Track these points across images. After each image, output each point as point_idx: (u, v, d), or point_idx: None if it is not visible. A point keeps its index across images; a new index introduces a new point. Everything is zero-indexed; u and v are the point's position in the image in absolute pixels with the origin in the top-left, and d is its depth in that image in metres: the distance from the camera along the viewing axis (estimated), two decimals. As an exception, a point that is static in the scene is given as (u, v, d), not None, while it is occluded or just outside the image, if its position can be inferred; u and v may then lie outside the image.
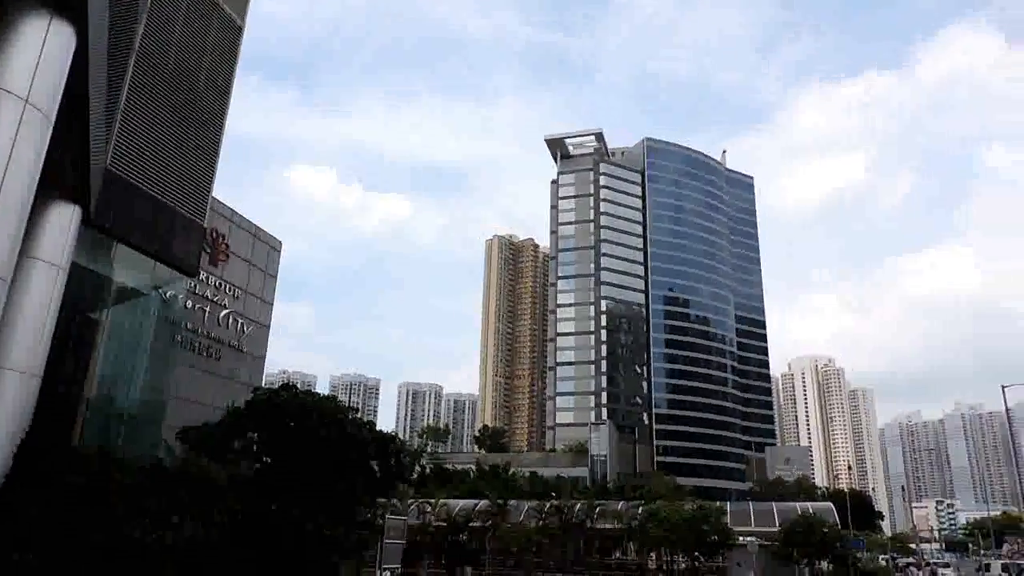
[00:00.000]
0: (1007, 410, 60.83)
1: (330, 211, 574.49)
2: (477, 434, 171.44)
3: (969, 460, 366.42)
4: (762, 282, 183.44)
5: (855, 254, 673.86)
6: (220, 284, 34.47)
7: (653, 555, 50.63)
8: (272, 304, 38.89)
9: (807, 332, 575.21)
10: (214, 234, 33.38)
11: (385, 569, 25.98)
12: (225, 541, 21.71)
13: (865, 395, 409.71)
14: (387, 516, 28.26)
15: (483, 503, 52.47)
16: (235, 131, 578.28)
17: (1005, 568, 57.14)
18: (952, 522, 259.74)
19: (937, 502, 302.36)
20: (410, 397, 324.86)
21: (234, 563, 21.58)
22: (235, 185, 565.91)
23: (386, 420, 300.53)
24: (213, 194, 25.83)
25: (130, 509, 17.92)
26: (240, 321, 35.49)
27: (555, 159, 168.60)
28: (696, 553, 44.91)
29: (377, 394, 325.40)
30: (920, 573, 71.91)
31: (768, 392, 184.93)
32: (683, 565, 46.65)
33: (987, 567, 62.23)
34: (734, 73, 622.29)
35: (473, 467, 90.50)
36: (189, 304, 32.42)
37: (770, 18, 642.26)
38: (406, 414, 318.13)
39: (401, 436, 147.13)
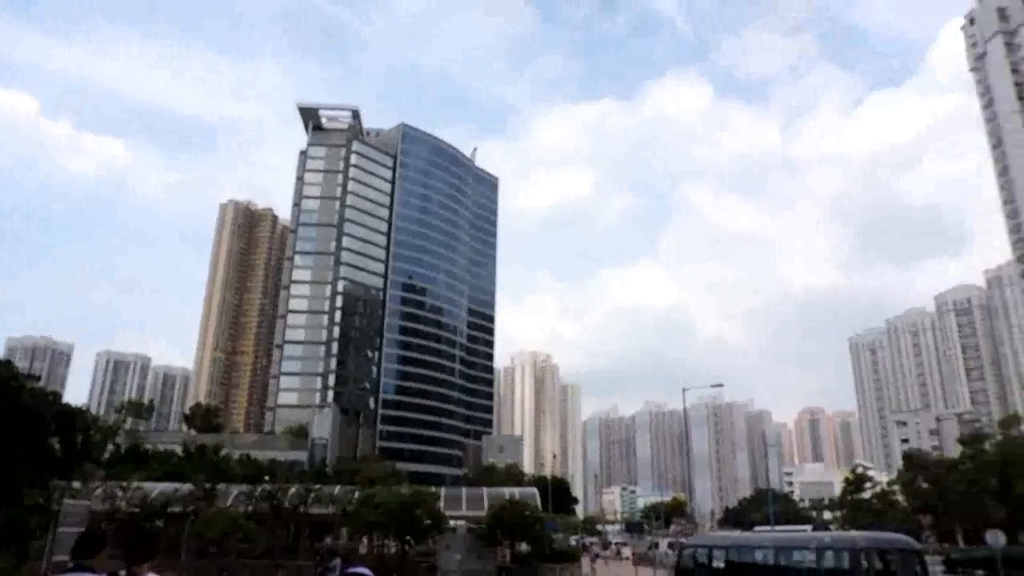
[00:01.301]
0: (684, 409, 70.33)
1: (28, 147, 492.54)
2: (187, 412, 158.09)
3: (651, 452, 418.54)
4: (495, 279, 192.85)
5: (575, 262, 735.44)
6: None
7: (365, 540, 50.41)
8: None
9: (529, 329, 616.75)
10: None
11: (56, 560, 22.55)
12: None
13: (574, 390, 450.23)
14: (64, 500, 24.53)
15: (187, 487, 48.27)
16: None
17: (670, 545, 66.02)
18: (633, 505, 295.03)
19: (622, 488, 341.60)
20: (110, 368, 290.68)
21: None
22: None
23: (79, 392, 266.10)
24: None
25: None
26: None
27: (306, 129, 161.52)
28: (408, 537, 45.55)
29: (68, 362, 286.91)
30: (602, 551, 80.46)
31: (491, 384, 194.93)
32: (394, 549, 47.04)
33: (656, 544, 71.47)
34: (489, 79, 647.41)
35: (179, 448, 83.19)
36: None
37: (528, 34, 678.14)
38: (104, 387, 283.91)
39: (95, 411, 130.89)
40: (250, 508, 46.90)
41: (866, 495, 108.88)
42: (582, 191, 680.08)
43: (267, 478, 62.35)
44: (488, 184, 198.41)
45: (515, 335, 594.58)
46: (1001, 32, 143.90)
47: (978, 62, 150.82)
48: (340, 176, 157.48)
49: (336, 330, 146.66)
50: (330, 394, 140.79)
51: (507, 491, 51.22)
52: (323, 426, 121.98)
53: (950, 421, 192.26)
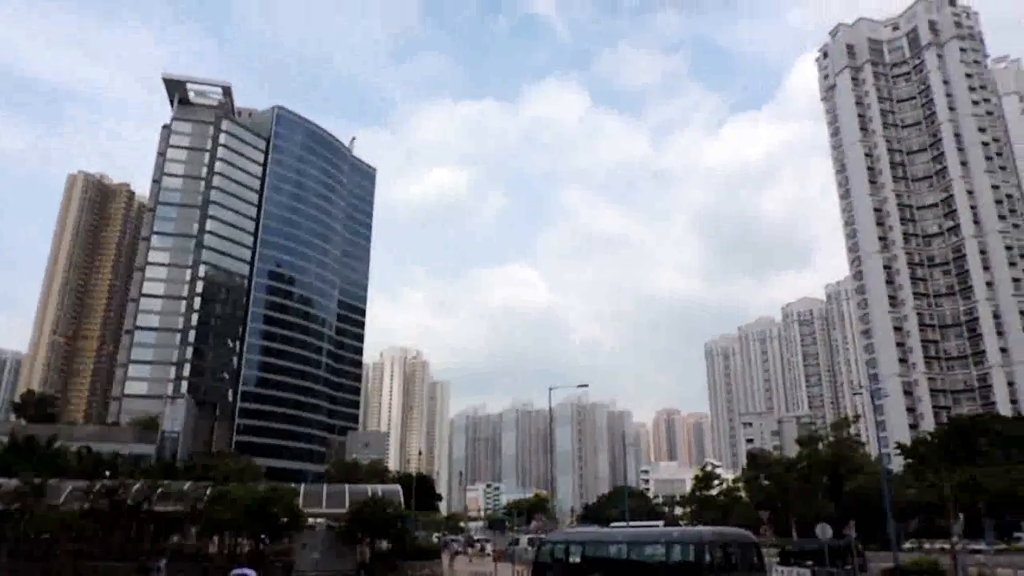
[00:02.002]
0: (550, 408, 71.98)
1: None
2: (18, 400, 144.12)
3: (517, 450, 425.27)
4: (369, 271, 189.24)
5: (450, 259, 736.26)
6: None
7: (216, 539, 47.93)
8: None
9: (402, 325, 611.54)
10: None
11: None
12: None
13: (443, 388, 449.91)
14: None
15: (12, 482, 43.96)
16: None
17: (531, 541, 67.18)
18: (497, 503, 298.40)
19: (487, 485, 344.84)
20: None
21: None
22: None
23: None
24: None
25: None
26: None
27: (172, 103, 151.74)
28: (263, 535, 43.70)
29: None
30: (467, 549, 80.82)
31: (359, 378, 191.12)
32: (247, 548, 44.97)
33: (517, 541, 72.48)
34: (370, 70, 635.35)
35: (5, 439, 75.76)
36: None
37: (411, 29, 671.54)
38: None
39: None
40: (86, 506, 43.34)
41: (714, 492, 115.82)
42: (459, 189, 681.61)
43: (107, 473, 57.98)
44: (365, 175, 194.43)
45: (387, 330, 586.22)
46: (849, 67, 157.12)
47: (828, 93, 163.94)
48: (207, 155, 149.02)
49: (195, 317, 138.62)
50: (184, 384, 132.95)
51: (370, 488, 50.27)
52: (175, 418, 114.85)
53: (790, 423, 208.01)
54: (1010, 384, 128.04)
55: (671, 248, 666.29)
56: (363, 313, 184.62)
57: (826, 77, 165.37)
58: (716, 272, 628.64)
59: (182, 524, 49.45)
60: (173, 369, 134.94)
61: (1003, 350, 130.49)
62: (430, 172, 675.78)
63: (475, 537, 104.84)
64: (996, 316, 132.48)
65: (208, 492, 45.39)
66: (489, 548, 79.70)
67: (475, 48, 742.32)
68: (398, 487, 53.07)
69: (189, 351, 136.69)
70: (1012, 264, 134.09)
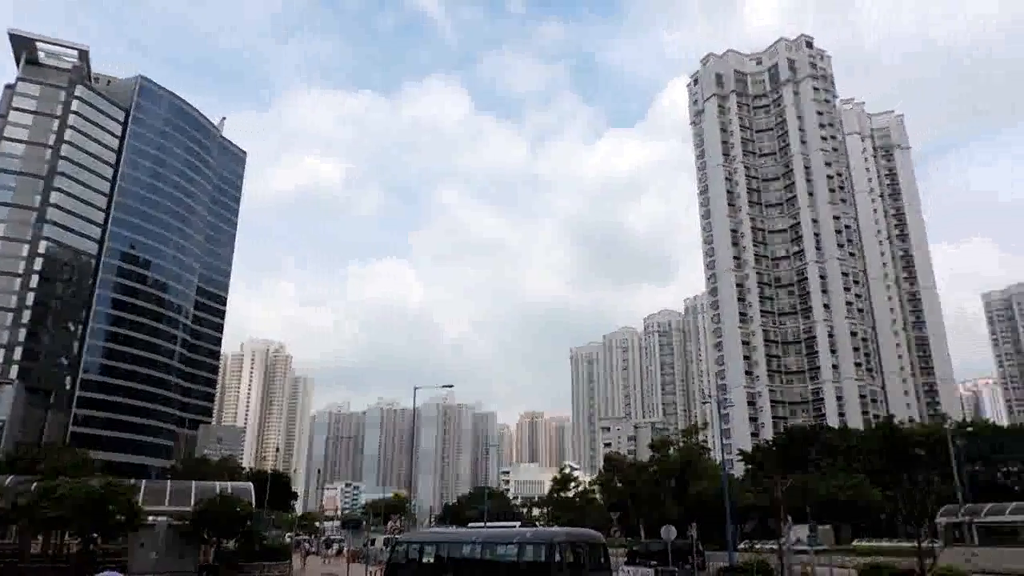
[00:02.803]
0: (415, 408, 71.61)
1: None
2: None
3: (380, 449, 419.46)
4: (232, 259, 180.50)
5: (322, 252, 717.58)
6: None
7: (41, 538, 44.05)
8: None
9: (268, 316, 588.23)
10: None
11: None
12: None
13: (307, 383, 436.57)
14: None
15: None
16: None
17: (386, 542, 66.44)
18: (355, 502, 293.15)
19: (346, 484, 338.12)
20: None
21: None
22: None
23: None
24: None
25: None
26: None
27: (17, 62, 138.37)
28: (95, 535, 40.59)
29: None
30: (324, 549, 78.91)
31: (215, 370, 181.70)
32: (75, 548, 41.60)
33: (373, 541, 71.54)
34: (248, 50, 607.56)
35: None
36: None
37: (297, 13, 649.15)
38: None
39: None
40: None
41: (571, 493, 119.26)
42: (336, 181, 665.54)
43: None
44: (234, 157, 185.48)
45: (251, 321, 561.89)
46: (716, 95, 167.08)
47: (696, 117, 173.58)
48: (56, 122, 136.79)
49: (31, 297, 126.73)
50: (15, 369, 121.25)
51: (219, 485, 47.92)
52: (2, 406, 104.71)
53: (645, 428, 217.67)
54: (839, 398, 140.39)
55: (543, 254, 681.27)
56: (224, 302, 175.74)
57: (695, 102, 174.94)
58: (585, 280, 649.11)
59: (3, 523, 45.11)
60: (2, 352, 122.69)
61: (835, 367, 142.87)
62: (306, 161, 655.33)
63: (331, 537, 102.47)
64: (831, 335, 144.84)
65: (33, 487, 41.65)
66: (345, 546, 78.09)
67: (360, 41, 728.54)
68: (249, 484, 50.88)
69: (22, 333, 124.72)
70: (847, 289, 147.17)
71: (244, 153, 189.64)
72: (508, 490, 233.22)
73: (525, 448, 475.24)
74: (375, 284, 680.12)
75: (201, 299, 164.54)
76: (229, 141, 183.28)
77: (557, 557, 23.81)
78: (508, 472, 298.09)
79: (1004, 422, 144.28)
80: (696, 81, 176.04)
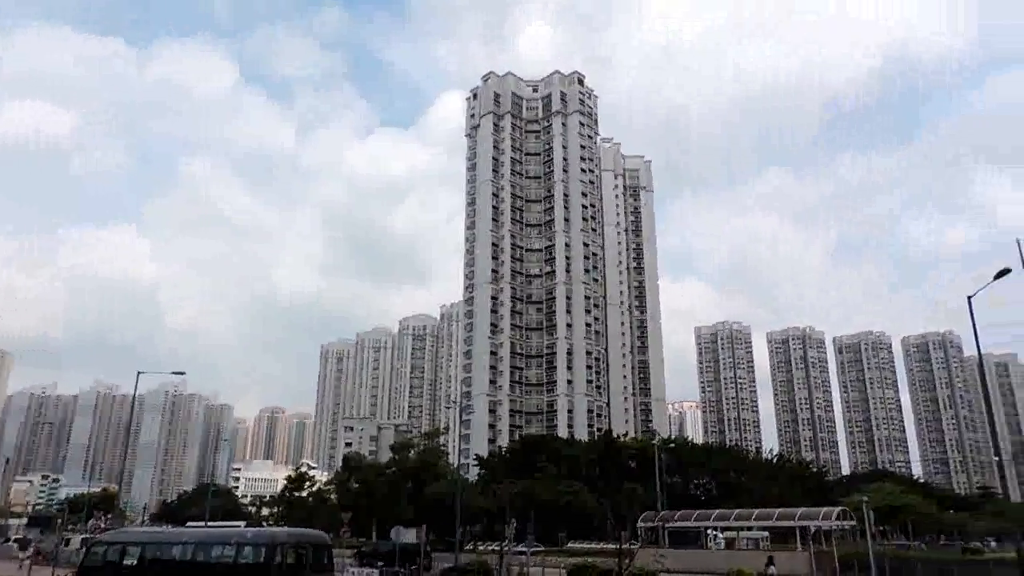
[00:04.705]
0: (136, 395, 64.73)
1: None
2: None
3: (91, 437, 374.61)
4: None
5: (31, 209, 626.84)
6: None
7: None
8: None
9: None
10: None
11: None
12: None
13: (4, 359, 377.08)
14: None
15: None
16: None
17: (83, 542, 58.98)
18: (54, 497, 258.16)
19: (43, 477, 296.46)
20: None
21: None
22: None
23: None
24: None
25: None
26: None
27: None
28: None
29: None
30: (17, 550, 67.86)
31: None
32: None
33: (67, 541, 63.11)
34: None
35: None
36: None
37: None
38: None
39: None
40: None
41: (305, 493, 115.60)
42: (61, 131, 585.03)
43: None
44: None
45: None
46: (493, 113, 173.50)
47: (472, 131, 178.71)
48: None
49: None
50: None
51: None
52: None
53: (389, 430, 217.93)
54: (569, 411, 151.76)
55: (299, 242, 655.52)
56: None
57: (472, 116, 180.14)
58: (343, 275, 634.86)
59: None
60: None
61: (569, 382, 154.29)
62: (23, 104, 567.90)
63: (27, 537, 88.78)
64: (569, 353, 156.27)
65: None
66: (17, 550, 67.94)
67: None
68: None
69: None
70: (588, 311, 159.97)
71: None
72: (237, 488, 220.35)
73: (262, 444, 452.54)
74: (98, 252, 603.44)
75: None
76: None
77: (278, 558, 22.86)
78: (240, 469, 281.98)
79: (700, 440, 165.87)
80: (475, 96, 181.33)
